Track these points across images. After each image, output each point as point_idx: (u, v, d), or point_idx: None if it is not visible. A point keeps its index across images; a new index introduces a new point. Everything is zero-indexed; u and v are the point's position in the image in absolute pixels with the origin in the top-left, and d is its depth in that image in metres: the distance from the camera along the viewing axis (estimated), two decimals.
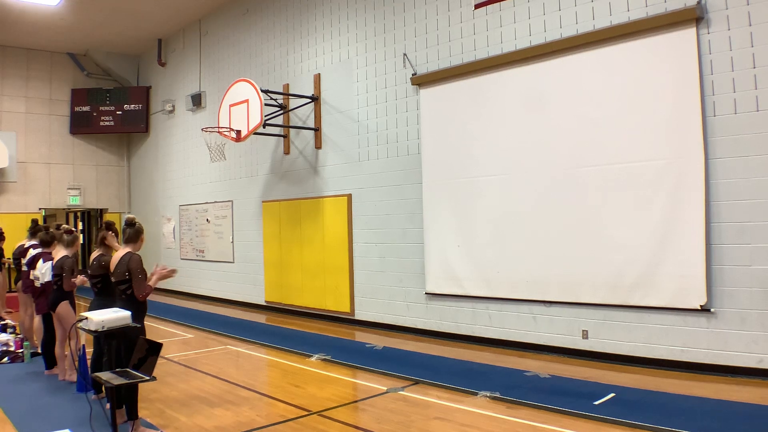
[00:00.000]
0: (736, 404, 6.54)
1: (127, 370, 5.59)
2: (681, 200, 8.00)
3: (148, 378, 5.41)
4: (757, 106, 7.44)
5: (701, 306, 7.81)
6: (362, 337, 11.38)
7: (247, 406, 7.16)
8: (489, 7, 10.13)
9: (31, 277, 8.86)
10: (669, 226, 8.09)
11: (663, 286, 8.16)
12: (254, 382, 8.46)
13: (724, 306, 7.70)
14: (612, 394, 7.01)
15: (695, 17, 7.82)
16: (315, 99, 13.47)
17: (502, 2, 9.96)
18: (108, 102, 20.64)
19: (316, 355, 9.55)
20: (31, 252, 9.67)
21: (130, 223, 6.63)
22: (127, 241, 6.55)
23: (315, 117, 13.48)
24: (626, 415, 6.19)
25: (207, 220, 17.40)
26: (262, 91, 12.58)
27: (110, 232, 7.37)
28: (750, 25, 7.48)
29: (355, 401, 7.51)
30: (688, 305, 7.94)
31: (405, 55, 11.46)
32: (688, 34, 7.94)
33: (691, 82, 7.91)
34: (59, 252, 8.06)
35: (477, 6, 10.29)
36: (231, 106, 13.00)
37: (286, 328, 12.54)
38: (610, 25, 8.68)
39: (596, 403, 6.71)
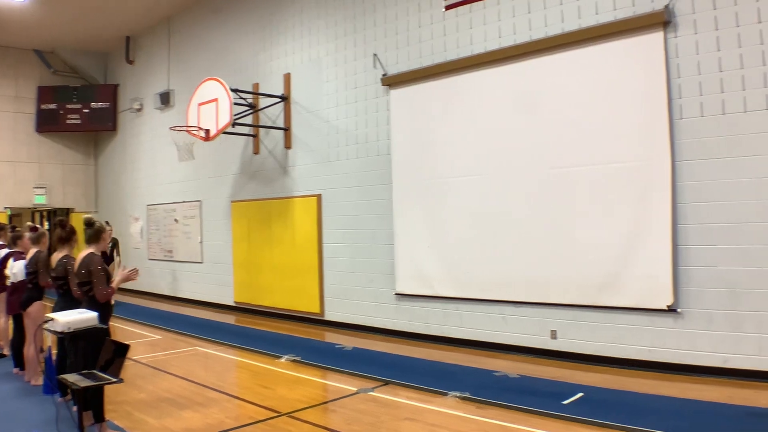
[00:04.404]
0: (703, 403, 6.63)
1: (94, 372, 5.52)
2: (648, 202, 8.09)
3: (115, 380, 5.35)
4: (723, 110, 7.55)
5: (668, 306, 7.91)
6: (332, 337, 11.36)
7: (216, 407, 7.11)
8: (459, 8, 10.16)
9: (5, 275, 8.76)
10: (637, 228, 8.18)
11: (631, 286, 8.25)
12: (223, 383, 8.40)
13: (690, 306, 7.80)
14: (581, 394, 7.08)
15: (663, 21, 7.92)
16: (285, 99, 13.41)
17: (472, 4, 9.99)
18: (75, 100, 20.35)
19: (286, 356, 9.51)
20: None
21: (89, 224, 6.55)
22: (88, 241, 6.47)
23: (285, 117, 13.43)
24: (595, 415, 6.25)
25: (175, 220, 17.24)
26: (231, 90, 12.49)
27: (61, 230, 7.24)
28: (717, 30, 7.59)
29: (325, 402, 7.50)
30: (656, 305, 8.04)
31: (375, 55, 11.46)
32: (656, 37, 8.03)
33: (658, 85, 8.01)
34: (32, 250, 7.93)
35: (447, 7, 10.31)
36: (200, 104, 12.91)
37: (255, 329, 12.48)
38: (578, 28, 8.75)
39: (565, 402, 6.77)
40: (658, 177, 8.01)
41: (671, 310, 7.90)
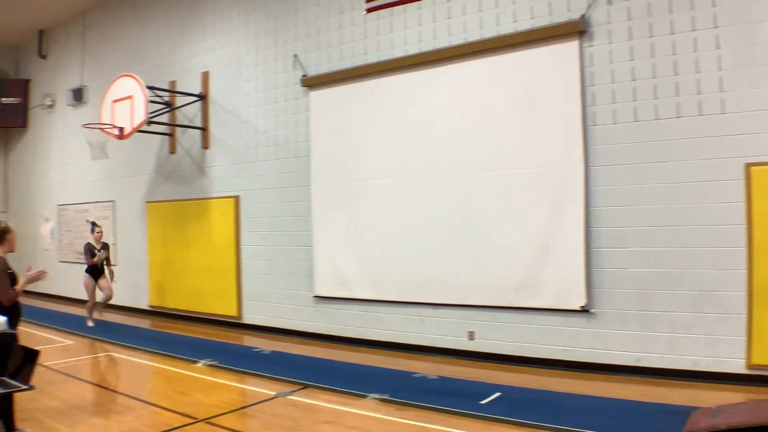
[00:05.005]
0: (618, 401, 6.84)
1: (3, 378, 5.32)
2: (563, 206, 8.31)
3: (26, 387, 5.18)
4: (635, 117, 7.81)
5: (581, 307, 8.13)
6: (250, 341, 11.23)
7: (131, 415, 6.92)
8: (380, 12, 10.19)
9: None
10: (552, 230, 8.38)
11: (546, 288, 8.45)
12: (138, 389, 8.19)
13: (603, 307, 8.04)
14: (498, 394, 7.20)
15: (579, 30, 8.14)
16: (203, 97, 13.20)
17: (393, 8, 10.04)
18: None
19: (203, 361, 9.35)
20: None
21: None
22: None
23: (203, 116, 13.22)
24: (512, 414, 6.37)
25: (87, 220, 16.72)
26: (147, 87, 12.23)
27: None
28: (630, 40, 7.85)
29: (244, 407, 7.41)
30: (570, 306, 8.26)
31: (296, 56, 11.38)
32: (572, 46, 8.25)
33: (573, 93, 8.23)
34: None
35: (369, 10, 10.32)
36: (114, 102, 12.60)
37: (171, 333, 12.23)
38: (497, 35, 8.91)
39: (483, 402, 6.88)
40: (572, 182, 8.23)
41: (584, 310, 8.13)
